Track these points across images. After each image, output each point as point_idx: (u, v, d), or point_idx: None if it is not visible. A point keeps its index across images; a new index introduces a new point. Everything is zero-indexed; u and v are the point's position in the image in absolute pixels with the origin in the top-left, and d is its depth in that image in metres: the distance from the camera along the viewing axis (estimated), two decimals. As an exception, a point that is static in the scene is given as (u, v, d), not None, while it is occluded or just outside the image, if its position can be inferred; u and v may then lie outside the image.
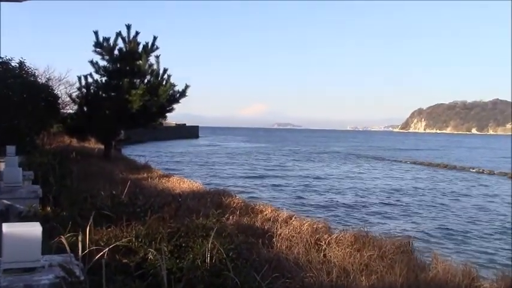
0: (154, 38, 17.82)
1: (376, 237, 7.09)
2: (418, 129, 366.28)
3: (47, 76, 22.08)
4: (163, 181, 13.22)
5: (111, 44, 17.60)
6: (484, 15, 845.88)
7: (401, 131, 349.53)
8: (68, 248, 3.07)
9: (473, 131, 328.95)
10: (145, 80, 18.08)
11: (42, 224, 2.82)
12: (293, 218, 8.28)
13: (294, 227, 7.27)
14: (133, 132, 33.10)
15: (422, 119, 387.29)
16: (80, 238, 3.47)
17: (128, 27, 17.63)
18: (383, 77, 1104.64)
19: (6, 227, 2.66)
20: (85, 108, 18.31)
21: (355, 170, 31.93)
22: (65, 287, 2.54)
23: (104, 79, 18.24)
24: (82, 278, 2.67)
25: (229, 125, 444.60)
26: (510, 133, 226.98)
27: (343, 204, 17.09)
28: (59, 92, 21.44)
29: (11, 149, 8.88)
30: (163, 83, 17.85)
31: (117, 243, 4.20)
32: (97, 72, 18.05)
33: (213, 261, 4.11)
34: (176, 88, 18.16)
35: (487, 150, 70.79)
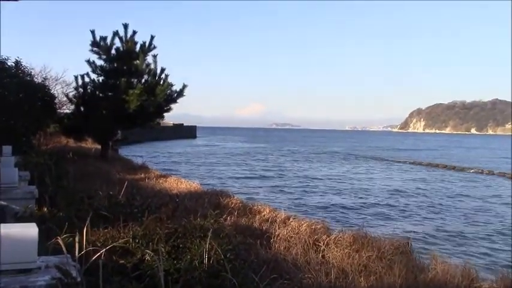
0: (152, 38, 17.80)
1: (374, 238, 7.07)
2: (417, 129, 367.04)
3: (44, 76, 22.06)
4: (161, 181, 13.18)
5: (108, 43, 17.54)
6: (484, 15, 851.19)
7: (400, 131, 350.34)
8: (64, 249, 3.04)
9: (473, 131, 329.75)
10: (143, 80, 18.02)
11: (38, 225, 2.80)
12: (291, 219, 8.25)
13: (292, 227, 7.24)
14: (131, 132, 32.92)
15: (421, 119, 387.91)
16: (76, 239, 3.44)
17: (125, 26, 17.58)
18: (382, 77, 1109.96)
19: (2, 228, 2.63)
20: (82, 108, 18.23)
21: (354, 171, 31.95)
22: (61, 288, 2.51)
23: (101, 79, 18.18)
24: (79, 279, 2.64)
25: (227, 125, 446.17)
26: (509, 133, 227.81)
27: (342, 204, 17.08)
28: (55, 92, 21.44)
29: (7, 149, 8.81)
30: (161, 82, 17.79)
31: (114, 244, 4.18)
32: (94, 71, 17.99)
33: (211, 262, 4.10)
34: (174, 88, 18.12)
35: (487, 151, 70.99)
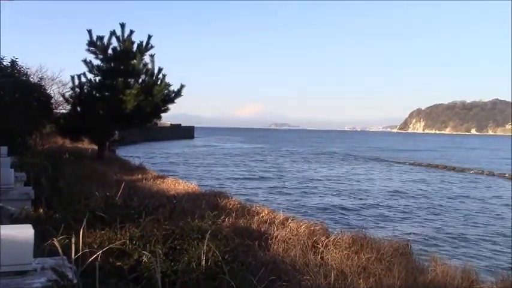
0: (149, 37, 17.71)
1: (374, 240, 7.03)
2: (417, 129, 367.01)
3: (40, 75, 21.96)
4: (158, 182, 13.13)
5: (105, 43, 17.45)
6: (484, 15, 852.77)
7: (399, 131, 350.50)
8: (60, 251, 3.03)
9: (473, 131, 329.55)
10: (140, 80, 17.95)
11: (34, 226, 2.79)
12: (290, 220, 8.20)
13: (290, 229, 7.20)
14: (128, 132, 32.94)
15: (421, 119, 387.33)
16: (73, 240, 3.43)
17: (122, 26, 17.49)
18: (382, 76, 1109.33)
19: (-2, 230, 2.61)
20: (78, 108, 18.14)
21: (353, 171, 31.93)
22: (57, 290, 2.48)
23: (97, 78, 18.08)
24: (75, 281, 2.63)
25: (225, 125, 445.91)
26: (510, 134, 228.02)
27: (341, 206, 17.04)
28: (51, 92, 21.34)
29: (3, 149, 8.74)
30: (158, 82, 17.73)
31: (111, 245, 4.18)
32: (91, 71, 17.89)
33: (209, 264, 4.09)
34: (171, 88, 18.06)
35: (487, 151, 71.01)
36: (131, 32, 17.61)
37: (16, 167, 7.30)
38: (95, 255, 3.42)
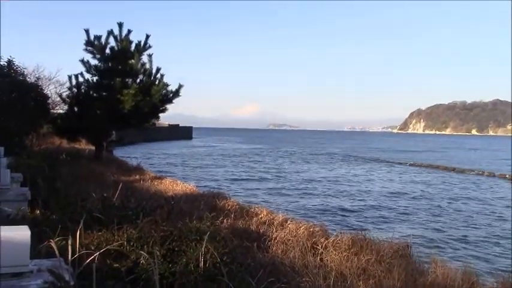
0: (147, 37, 17.66)
1: (374, 241, 7.02)
2: (417, 130, 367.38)
3: (37, 75, 21.88)
4: (156, 183, 13.10)
5: (103, 43, 17.39)
6: (484, 15, 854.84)
7: (399, 131, 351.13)
8: (57, 252, 3.00)
9: (473, 132, 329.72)
10: (138, 80, 17.89)
11: (30, 228, 2.78)
12: (289, 221, 8.19)
13: (289, 230, 7.18)
14: (125, 133, 32.85)
15: (421, 120, 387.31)
16: (69, 242, 3.40)
17: (120, 25, 17.45)
18: (381, 77, 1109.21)
19: (-6, 231, 2.59)
20: (76, 109, 18.09)
21: (353, 172, 31.90)
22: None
23: (95, 78, 18.04)
24: (72, 283, 2.62)
25: (223, 125, 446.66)
26: (510, 134, 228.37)
27: (341, 207, 16.97)
28: (48, 92, 21.36)
29: (-1, 150, 8.70)
30: (156, 82, 17.69)
31: (108, 247, 4.16)
32: (88, 71, 17.84)
33: (207, 265, 4.08)
34: (169, 88, 18.01)
35: (487, 152, 70.98)
36: (129, 31, 17.58)
37: (12, 168, 7.27)
38: (92, 256, 3.41)
